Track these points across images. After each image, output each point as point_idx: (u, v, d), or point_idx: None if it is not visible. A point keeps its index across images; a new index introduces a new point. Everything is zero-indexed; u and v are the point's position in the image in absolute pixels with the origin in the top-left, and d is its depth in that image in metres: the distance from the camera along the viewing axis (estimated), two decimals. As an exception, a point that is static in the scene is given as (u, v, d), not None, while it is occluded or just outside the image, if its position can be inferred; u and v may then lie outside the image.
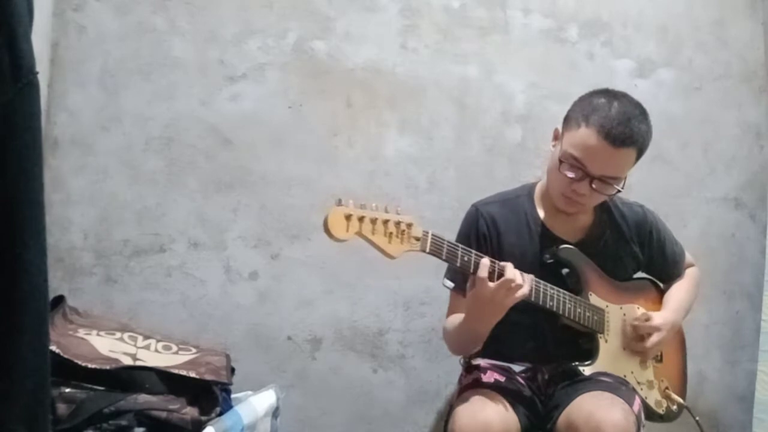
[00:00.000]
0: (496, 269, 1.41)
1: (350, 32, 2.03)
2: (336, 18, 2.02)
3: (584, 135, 1.49)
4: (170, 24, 1.92)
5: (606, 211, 1.69)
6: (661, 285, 1.79)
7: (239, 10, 1.96)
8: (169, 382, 1.44)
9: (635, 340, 1.63)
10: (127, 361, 1.46)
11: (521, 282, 1.41)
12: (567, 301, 1.54)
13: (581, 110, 1.53)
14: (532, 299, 1.47)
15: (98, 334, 1.55)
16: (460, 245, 1.41)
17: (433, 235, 1.37)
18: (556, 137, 1.60)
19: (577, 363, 1.57)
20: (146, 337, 1.62)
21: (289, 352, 1.97)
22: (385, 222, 1.31)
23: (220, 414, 1.48)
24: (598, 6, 2.18)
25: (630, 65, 2.20)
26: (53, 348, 1.36)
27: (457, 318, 1.55)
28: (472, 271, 1.40)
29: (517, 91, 2.13)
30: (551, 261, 1.60)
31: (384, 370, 2.02)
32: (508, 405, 1.48)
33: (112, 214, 1.88)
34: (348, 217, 1.27)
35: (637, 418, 1.44)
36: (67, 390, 1.35)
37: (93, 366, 1.39)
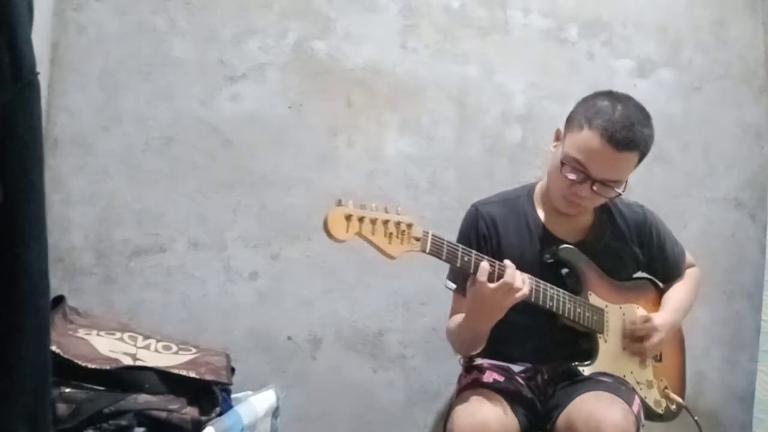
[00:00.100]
0: (496, 270, 1.41)
1: (350, 32, 2.03)
2: (336, 18, 2.02)
3: (587, 138, 1.48)
4: (170, 24, 1.92)
5: (606, 212, 1.69)
6: (661, 285, 1.79)
7: (239, 10, 1.96)
8: (169, 382, 1.44)
9: (635, 340, 1.63)
10: (127, 361, 1.45)
11: (520, 284, 1.40)
12: (566, 301, 1.54)
13: (584, 112, 1.52)
14: (532, 299, 1.47)
15: (98, 334, 1.55)
16: (460, 245, 1.41)
17: (433, 235, 1.37)
18: (558, 138, 1.60)
19: (576, 363, 1.57)
20: (146, 337, 1.62)
21: (289, 352, 1.97)
22: (385, 222, 1.31)
23: (220, 414, 1.48)
24: (598, 6, 2.18)
25: (630, 65, 2.20)
26: (53, 348, 1.36)
27: (460, 318, 1.55)
28: (472, 271, 1.40)
29: (517, 91, 2.13)
30: (551, 261, 1.60)
31: (384, 370, 2.02)
32: (507, 405, 1.48)
33: (112, 214, 1.88)
34: (348, 218, 1.27)
35: (637, 418, 1.45)
36: (67, 390, 1.35)
37: (93, 366, 1.39)
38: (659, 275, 1.78)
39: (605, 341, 1.60)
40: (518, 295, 1.40)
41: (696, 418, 1.72)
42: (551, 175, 1.60)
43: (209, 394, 1.49)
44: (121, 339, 1.57)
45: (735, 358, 2.24)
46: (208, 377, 1.49)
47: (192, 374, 1.48)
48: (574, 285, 1.60)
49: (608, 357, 1.60)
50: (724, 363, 2.23)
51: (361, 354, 2.01)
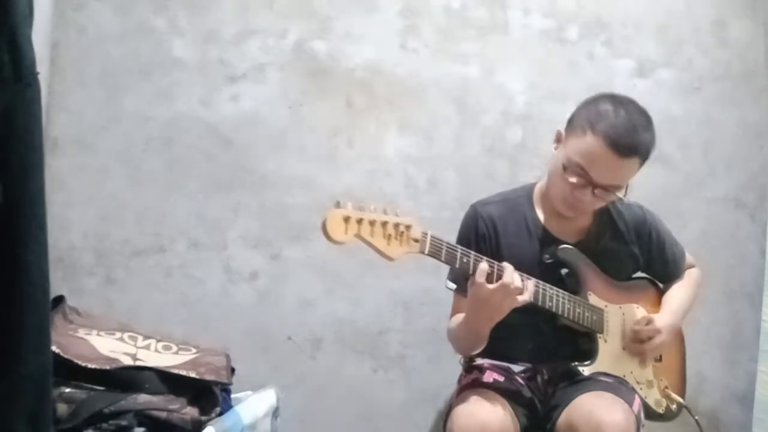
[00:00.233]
0: (495, 271, 1.41)
1: (350, 32, 2.03)
2: (336, 18, 2.02)
3: (590, 143, 1.48)
4: (170, 24, 1.92)
5: (605, 212, 1.69)
6: (661, 285, 1.79)
7: (239, 10, 1.96)
8: (169, 382, 1.44)
9: (636, 342, 1.63)
10: (127, 361, 1.45)
11: (519, 285, 1.40)
12: (566, 301, 1.54)
13: (587, 116, 1.51)
14: (531, 300, 1.46)
15: (98, 334, 1.55)
16: (459, 246, 1.41)
17: (432, 236, 1.36)
18: (559, 140, 1.59)
19: (576, 363, 1.56)
20: (146, 337, 1.62)
21: (289, 352, 1.97)
22: (384, 224, 1.30)
23: (220, 414, 1.48)
24: (598, 6, 2.18)
25: (630, 65, 2.20)
26: (53, 348, 1.36)
27: (460, 318, 1.55)
28: (471, 272, 1.40)
29: (517, 91, 2.12)
30: (550, 261, 1.60)
31: (384, 370, 2.02)
32: (507, 405, 1.48)
33: (112, 214, 1.88)
34: (346, 219, 1.26)
35: (637, 417, 1.45)
36: (67, 390, 1.35)
37: (93, 366, 1.39)
38: (659, 276, 1.78)
39: (605, 341, 1.60)
40: (520, 298, 1.40)
41: (696, 417, 1.72)
42: (552, 178, 1.60)
43: (209, 394, 1.49)
44: (121, 339, 1.57)
45: (735, 358, 2.23)
46: (208, 377, 1.49)
47: (192, 374, 1.48)
48: (573, 285, 1.60)
49: (608, 357, 1.60)
50: (724, 363, 2.23)
51: (361, 354, 2.01)
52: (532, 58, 2.14)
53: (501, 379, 1.58)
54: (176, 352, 1.59)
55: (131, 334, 1.62)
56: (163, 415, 1.38)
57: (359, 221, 1.27)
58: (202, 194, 1.93)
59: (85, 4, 1.87)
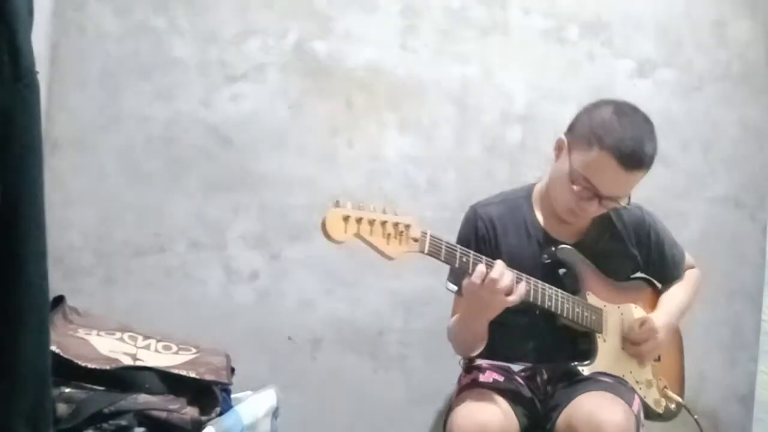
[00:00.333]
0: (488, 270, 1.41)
1: (350, 32, 2.03)
2: (336, 18, 2.02)
3: (597, 158, 1.49)
4: (170, 24, 1.92)
5: (604, 214, 1.68)
6: (660, 286, 1.79)
7: (239, 10, 1.96)
8: (169, 382, 1.44)
9: (633, 343, 1.64)
10: (127, 361, 1.45)
11: (508, 283, 1.39)
12: (565, 301, 1.54)
13: (591, 128, 1.51)
14: (531, 300, 1.47)
15: (98, 334, 1.54)
16: (458, 246, 1.41)
17: (431, 236, 1.36)
18: (561, 148, 1.58)
19: (576, 363, 1.57)
20: (146, 337, 1.62)
21: (289, 352, 1.97)
22: (383, 223, 1.30)
23: (220, 414, 1.48)
24: (598, 6, 2.18)
25: (630, 65, 2.20)
26: (53, 348, 1.36)
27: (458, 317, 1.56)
28: (470, 271, 1.40)
29: (517, 91, 2.12)
30: (549, 261, 1.60)
31: (384, 370, 2.02)
32: (506, 405, 1.48)
33: (112, 214, 1.88)
34: (346, 219, 1.26)
35: (637, 417, 1.45)
36: (67, 390, 1.35)
37: (93, 366, 1.39)
38: (658, 276, 1.78)
39: (604, 341, 1.60)
40: (509, 299, 1.40)
41: (695, 417, 1.72)
42: (556, 188, 1.60)
43: (209, 394, 1.49)
44: (121, 339, 1.57)
45: (735, 358, 2.23)
46: (208, 377, 1.49)
47: (192, 374, 1.47)
48: (572, 285, 1.60)
49: (607, 357, 1.60)
50: (724, 363, 2.23)
51: (361, 354, 2.01)
52: (532, 58, 2.14)
53: (501, 379, 1.58)
54: (176, 352, 1.59)
55: (131, 334, 1.62)
56: (163, 415, 1.38)
57: (359, 220, 1.27)
58: (202, 194, 1.93)
59: (85, 4, 1.87)
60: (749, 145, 2.28)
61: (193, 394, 1.45)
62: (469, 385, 1.57)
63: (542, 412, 1.55)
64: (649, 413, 1.64)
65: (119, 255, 1.87)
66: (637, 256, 1.70)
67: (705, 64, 2.24)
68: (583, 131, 1.53)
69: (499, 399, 1.49)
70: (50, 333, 0.95)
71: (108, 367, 1.41)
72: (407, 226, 1.33)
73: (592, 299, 1.61)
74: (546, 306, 1.50)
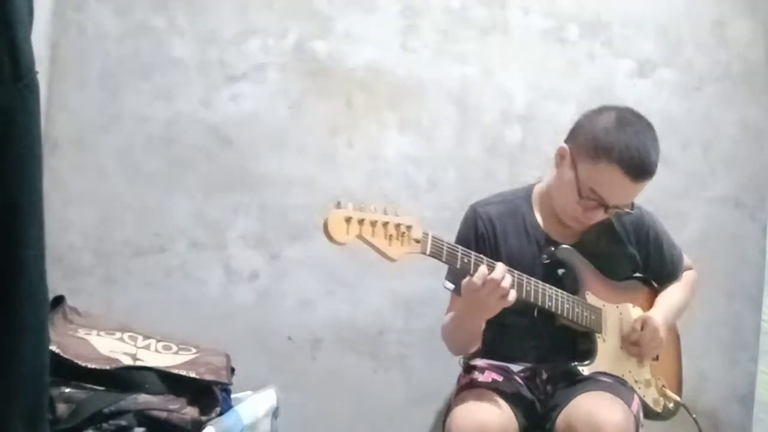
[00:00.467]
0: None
1: (350, 32, 2.03)
2: (336, 18, 2.02)
3: (606, 172, 1.50)
4: (170, 24, 1.92)
5: (604, 213, 1.69)
6: (657, 286, 1.79)
7: (239, 10, 1.96)
8: (169, 382, 1.44)
9: (636, 343, 1.64)
10: (127, 361, 1.45)
11: (507, 285, 1.39)
12: (564, 301, 1.54)
13: (595, 140, 1.52)
14: (531, 300, 1.47)
15: (98, 334, 1.54)
16: (459, 247, 1.41)
17: (433, 237, 1.36)
18: (563, 157, 1.58)
19: (576, 363, 1.57)
20: (146, 337, 1.62)
21: (289, 352, 1.97)
22: (385, 224, 1.30)
23: (220, 414, 1.48)
24: (598, 6, 2.18)
25: (630, 65, 2.20)
26: (53, 348, 1.36)
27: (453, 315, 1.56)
28: (472, 272, 1.40)
29: (517, 91, 2.12)
30: (548, 261, 1.60)
31: (384, 370, 2.02)
32: (506, 405, 1.48)
33: (112, 214, 1.88)
34: (348, 220, 1.26)
35: (636, 417, 1.45)
36: (67, 390, 1.35)
37: (93, 366, 1.39)
38: (656, 276, 1.78)
39: (604, 341, 1.61)
40: (509, 298, 1.40)
41: (694, 416, 1.73)
42: (560, 195, 1.61)
43: (209, 394, 1.48)
44: (121, 339, 1.56)
45: (735, 358, 2.23)
46: (208, 377, 1.49)
47: (192, 374, 1.47)
48: (571, 285, 1.60)
49: (607, 356, 1.60)
50: (724, 363, 2.23)
51: (361, 354, 2.01)
52: (532, 58, 2.14)
53: (500, 379, 1.58)
54: (176, 352, 1.59)
55: (131, 334, 1.62)
56: (163, 415, 1.38)
57: (360, 222, 1.27)
58: (202, 194, 1.93)
59: (85, 4, 1.87)
60: (749, 145, 2.28)
61: (193, 394, 1.45)
62: (469, 385, 1.57)
63: (541, 412, 1.55)
64: (648, 412, 1.64)
65: (119, 255, 1.87)
66: (637, 256, 1.71)
67: (705, 64, 2.24)
68: (588, 142, 1.53)
69: (499, 399, 1.49)
70: (50, 333, 0.95)
71: (108, 367, 1.40)
72: (409, 227, 1.33)
73: (591, 299, 1.61)
74: (546, 306, 1.50)
